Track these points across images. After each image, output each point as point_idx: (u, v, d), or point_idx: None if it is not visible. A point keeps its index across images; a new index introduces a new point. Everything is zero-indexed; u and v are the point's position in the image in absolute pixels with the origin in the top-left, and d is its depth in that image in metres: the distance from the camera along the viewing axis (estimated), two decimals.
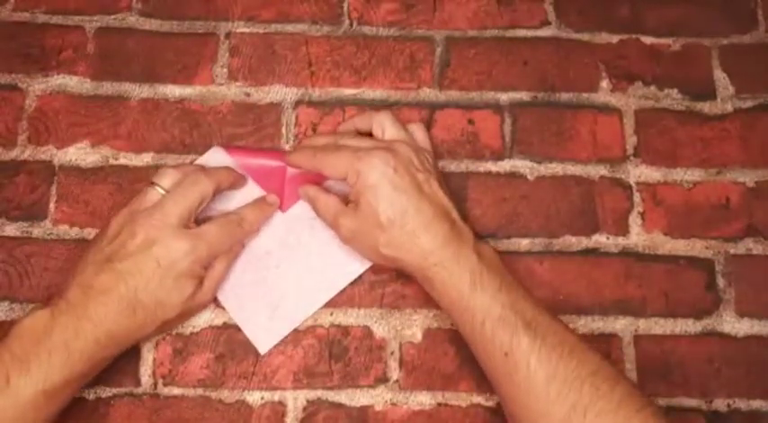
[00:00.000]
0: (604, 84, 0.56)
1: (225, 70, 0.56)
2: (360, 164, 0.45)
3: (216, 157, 0.52)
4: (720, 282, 0.52)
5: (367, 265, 0.51)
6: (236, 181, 0.50)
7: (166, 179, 0.47)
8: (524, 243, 0.52)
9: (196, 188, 0.46)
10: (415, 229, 0.44)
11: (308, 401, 0.49)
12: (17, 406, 0.40)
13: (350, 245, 0.48)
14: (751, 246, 0.52)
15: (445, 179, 0.53)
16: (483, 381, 0.46)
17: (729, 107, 0.55)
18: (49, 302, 0.44)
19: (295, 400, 0.49)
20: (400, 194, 0.44)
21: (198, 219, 0.48)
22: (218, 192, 0.48)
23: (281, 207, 0.52)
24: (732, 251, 0.52)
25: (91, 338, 0.42)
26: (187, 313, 0.48)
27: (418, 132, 0.50)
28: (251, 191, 0.51)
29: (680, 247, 0.52)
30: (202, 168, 0.49)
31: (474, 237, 0.46)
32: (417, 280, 0.47)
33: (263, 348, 0.49)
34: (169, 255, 0.44)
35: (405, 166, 0.46)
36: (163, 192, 0.46)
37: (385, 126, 0.49)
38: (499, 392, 0.44)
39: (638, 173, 0.54)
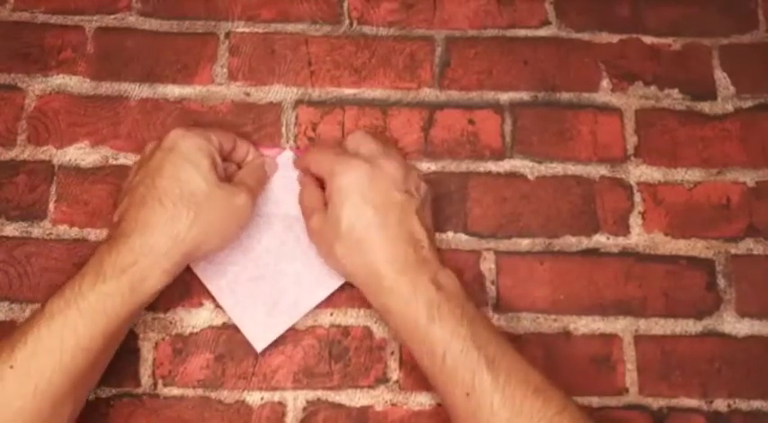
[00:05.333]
0: (605, 83, 0.56)
1: (225, 70, 0.55)
2: (337, 166, 0.45)
3: None
4: (721, 282, 0.51)
5: None
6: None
7: None
8: (524, 243, 0.52)
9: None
10: (373, 246, 0.43)
11: (307, 402, 0.49)
12: (52, 333, 0.40)
13: (313, 243, 0.48)
14: (751, 246, 0.52)
15: (445, 179, 0.53)
16: None
17: (730, 107, 0.55)
18: None
19: (295, 400, 0.49)
20: (367, 208, 0.44)
21: None
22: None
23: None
24: (733, 251, 0.52)
25: (124, 249, 0.42)
26: (224, 199, 0.45)
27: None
28: None
29: (680, 247, 0.52)
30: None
31: (438, 268, 0.44)
32: (375, 309, 0.46)
33: (259, 345, 0.49)
34: (172, 141, 0.46)
35: (384, 182, 0.45)
36: None
37: (359, 146, 0.48)
38: None
39: (639, 173, 0.54)
